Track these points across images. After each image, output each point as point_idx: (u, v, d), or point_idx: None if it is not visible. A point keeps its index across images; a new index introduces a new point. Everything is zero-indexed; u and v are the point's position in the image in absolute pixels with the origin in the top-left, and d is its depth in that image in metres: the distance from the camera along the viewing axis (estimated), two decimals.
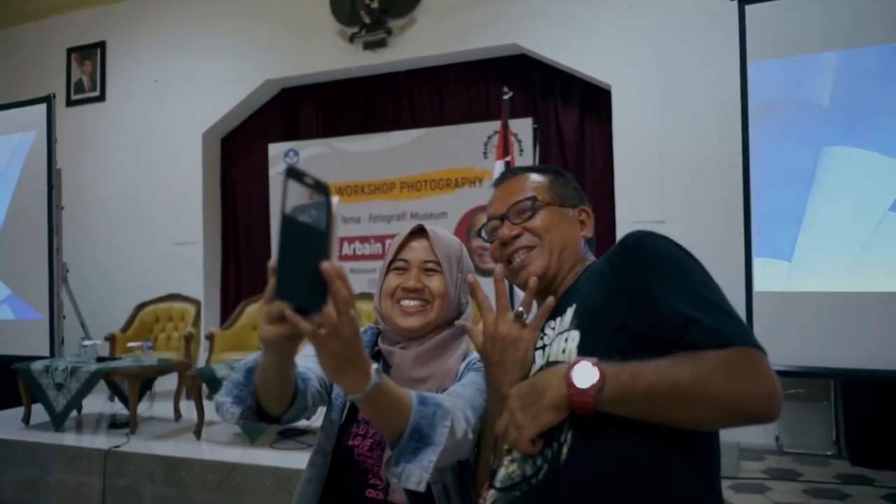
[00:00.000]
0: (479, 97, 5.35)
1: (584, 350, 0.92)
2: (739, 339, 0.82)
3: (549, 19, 4.81)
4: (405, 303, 1.19)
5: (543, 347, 1.03)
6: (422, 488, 0.91)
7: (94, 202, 6.12)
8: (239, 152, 6.11)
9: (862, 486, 3.12)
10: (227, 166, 6.16)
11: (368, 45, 5.31)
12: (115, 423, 4.13)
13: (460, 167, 5.21)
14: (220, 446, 3.61)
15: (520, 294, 1.10)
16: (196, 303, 5.46)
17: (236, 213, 6.11)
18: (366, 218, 5.51)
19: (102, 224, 6.10)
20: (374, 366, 0.84)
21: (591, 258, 1.17)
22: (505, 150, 4.25)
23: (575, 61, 4.79)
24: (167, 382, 4.58)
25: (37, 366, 4.02)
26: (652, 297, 0.90)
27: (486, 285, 1.03)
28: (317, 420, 1.21)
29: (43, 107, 5.14)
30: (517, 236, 1.13)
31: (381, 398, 0.87)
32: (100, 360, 4.19)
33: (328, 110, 5.82)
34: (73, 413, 4.17)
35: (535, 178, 1.18)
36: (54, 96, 5.20)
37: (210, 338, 5.01)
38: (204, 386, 3.72)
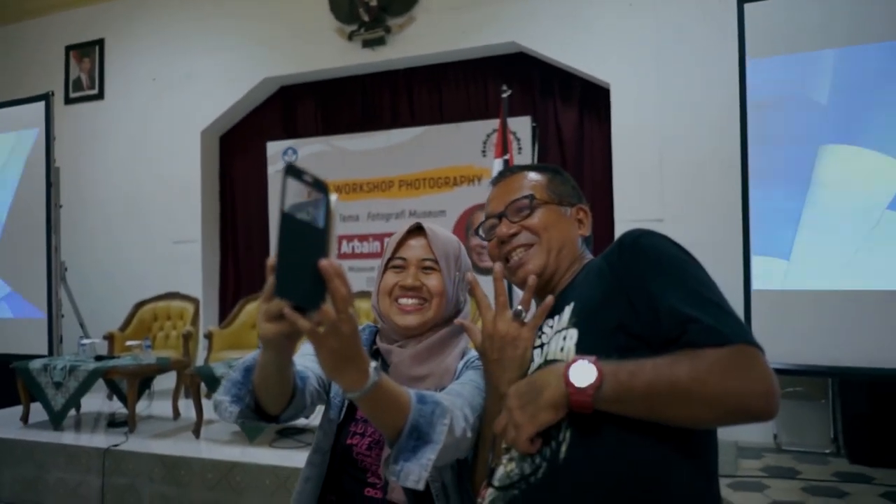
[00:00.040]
0: (478, 95, 5.35)
1: (583, 348, 0.92)
2: (737, 338, 0.83)
3: (549, 17, 4.80)
4: (403, 301, 1.19)
5: (542, 346, 1.03)
6: (421, 487, 0.91)
7: (93, 200, 6.11)
8: (238, 150, 6.10)
9: (860, 484, 3.12)
10: (226, 164, 6.15)
11: (367, 43, 5.30)
12: (113, 422, 4.13)
13: (459, 165, 5.21)
14: (219, 445, 3.61)
15: (518, 293, 1.10)
16: (195, 301, 5.45)
17: (235, 211, 6.11)
18: (364, 216, 5.51)
19: (101, 222, 6.10)
20: (373, 364, 0.84)
21: (589, 257, 1.17)
22: (504, 148, 4.25)
23: (574, 60, 4.78)
24: (166, 381, 4.58)
25: (35, 364, 4.02)
26: (650, 296, 0.90)
27: (485, 284, 1.03)
28: (315, 419, 1.21)
29: (41, 104, 5.13)
30: (515, 234, 1.13)
31: (379, 396, 0.87)
32: (98, 358, 4.19)
33: (327, 108, 5.82)
34: (72, 412, 4.17)
35: (533, 176, 1.19)
36: (53, 94, 5.19)
37: (209, 336, 5.00)
38: (203, 384, 3.72)
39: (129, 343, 4.50)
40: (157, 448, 3.52)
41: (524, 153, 4.93)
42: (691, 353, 0.82)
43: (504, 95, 4.36)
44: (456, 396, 1.05)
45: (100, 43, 6.26)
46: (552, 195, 1.16)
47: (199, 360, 5.07)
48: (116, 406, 4.55)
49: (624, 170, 4.61)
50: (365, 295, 4.69)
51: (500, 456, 0.98)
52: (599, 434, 0.86)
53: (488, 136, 5.07)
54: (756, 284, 3.39)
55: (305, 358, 1.14)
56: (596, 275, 1.01)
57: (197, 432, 3.74)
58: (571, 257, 1.14)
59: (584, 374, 0.84)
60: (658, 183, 4.47)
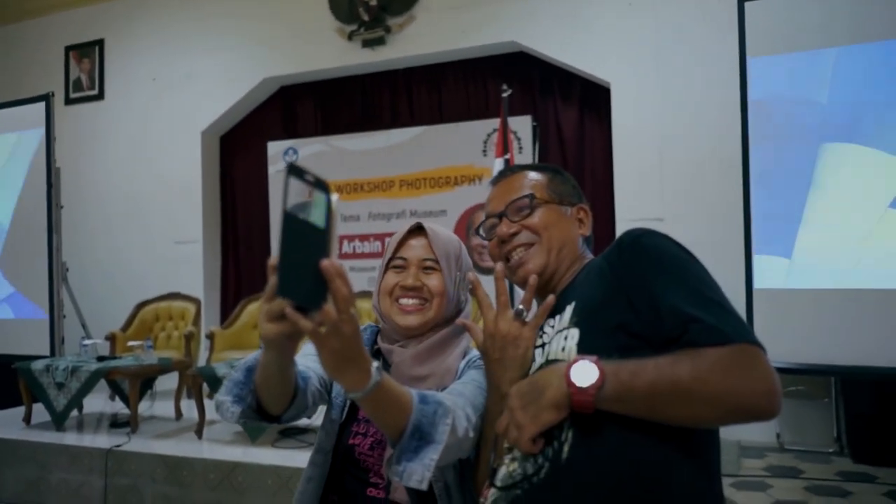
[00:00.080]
0: (478, 95, 5.35)
1: (584, 348, 0.92)
2: (739, 337, 0.83)
3: (548, 17, 4.80)
4: (404, 301, 1.19)
5: (543, 346, 1.03)
6: (424, 487, 0.91)
7: (94, 201, 6.11)
8: (238, 150, 6.10)
9: (863, 484, 3.12)
10: (227, 165, 6.15)
11: (367, 43, 5.30)
12: (115, 423, 4.13)
13: (459, 165, 5.21)
14: (221, 445, 3.61)
15: (520, 292, 1.10)
16: (196, 301, 5.45)
17: (235, 211, 6.11)
18: (365, 216, 5.51)
19: (102, 223, 6.10)
20: (375, 364, 0.84)
21: (590, 256, 1.17)
22: (504, 147, 4.25)
23: (574, 59, 4.78)
24: (168, 381, 4.59)
25: (37, 365, 4.02)
26: (651, 296, 0.90)
27: (486, 283, 1.03)
28: (317, 419, 1.21)
29: (41, 105, 5.13)
30: (515, 234, 1.13)
31: (381, 397, 0.87)
32: (100, 359, 4.19)
33: (327, 108, 5.82)
34: (74, 412, 4.17)
35: (533, 175, 1.18)
36: (53, 94, 5.19)
37: (210, 337, 5.01)
38: (204, 385, 3.72)
39: (130, 343, 4.50)
40: (160, 448, 3.52)
41: (525, 153, 4.93)
42: (693, 352, 0.82)
43: (504, 95, 4.36)
44: (458, 396, 1.05)
45: (100, 43, 6.27)
46: (552, 195, 1.16)
47: (201, 361, 5.08)
48: (118, 406, 4.55)
49: (624, 169, 4.61)
50: (366, 295, 4.69)
51: (502, 456, 0.98)
52: (601, 434, 0.86)
53: (489, 135, 5.06)
54: (758, 283, 3.39)
55: (307, 358, 1.14)
56: (597, 274, 1.01)
57: (199, 432, 3.74)
58: (572, 257, 1.14)
59: (585, 373, 0.84)
60: (658, 182, 4.47)
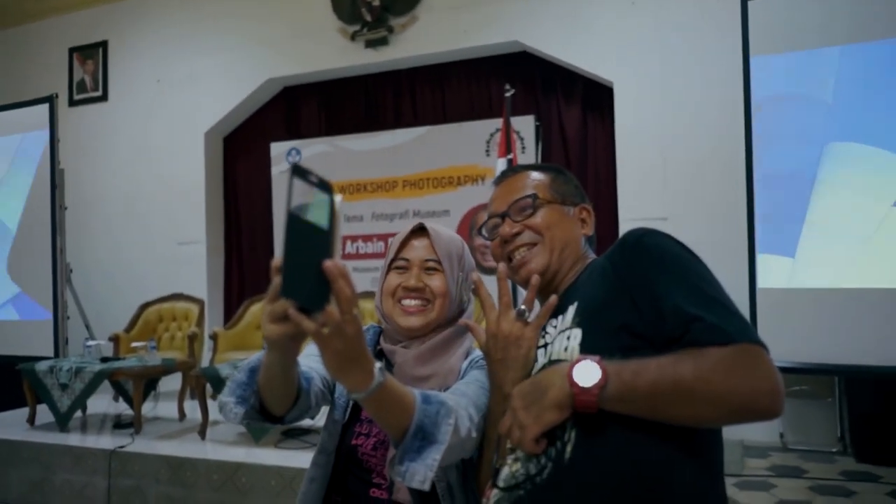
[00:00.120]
0: (481, 95, 5.35)
1: (586, 348, 0.92)
2: (741, 337, 0.82)
3: (551, 16, 4.80)
4: (406, 302, 1.19)
5: (545, 346, 1.03)
6: (426, 487, 0.91)
7: (97, 202, 6.13)
8: (241, 151, 6.11)
9: (867, 483, 3.11)
10: (230, 165, 6.17)
11: (370, 44, 5.31)
12: (119, 424, 4.14)
13: (462, 165, 5.21)
14: (225, 446, 3.61)
15: (522, 292, 1.10)
16: (199, 302, 5.46)
17: (239, 212, 6.12)
18: (368, 216, 5.51)
19: (105, 224, 6.12)
20: (378, 365, 0.84)
21: (592, 256, 1.17)
22: (507, 147, 4.24)
23: (576, 58, 4.78)
24: (171, 382, 4.59)
25: (41, 366, 4.03)
26: (654, 295, 0.90)
27: (489, 283, 1.03)
28: (321, 419, 1.21)
29: (45, 107, 5.15)
30: (518, 234, 1.13)
31: (384, 397, 0.87)
32: (104, 360, 4.20)
33: (330, 109, 5.82)
34: (78, 413, 4.18)
35: (535, 176, 1.18)
36: (57, 96, 5.21)
37: (214, 337, 5.02)
38: (208, 386, 3.73)
39: (134, 344, 4.51)
40: (163, 449, 3.53)
41: (528, 152, 4.93)
42: (695, 351, 0.82)
43: (507, 94, 4.36)
44: (460, 396, 1.05)
45: (103, 45, 6.28)
46: (555, 194, 1.16)
47: (205, 362, 5.08)
48: (122, 407, 4.56)
49: (627, 168, 4.60)
50: (369, 295, 4.68)
51: (504, 456, 0.98)
52: (604, 434, 0.86)
53: (491, 135, 5.06)
54: (761, 282, 3.38)
55: (310, 358, 1.14)
56: (599, 274, 1.01)
57: (202, 433, 3.75)
58: (574, 257, 1.14)
59: (588, 373, 0.84)
60: (662, 182, 4.46)
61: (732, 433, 3.60)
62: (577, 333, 0.95)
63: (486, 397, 1.09)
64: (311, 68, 5.57)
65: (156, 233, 5.94)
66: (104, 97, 6.27)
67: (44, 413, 4.05)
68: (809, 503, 2.88)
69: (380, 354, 1.23)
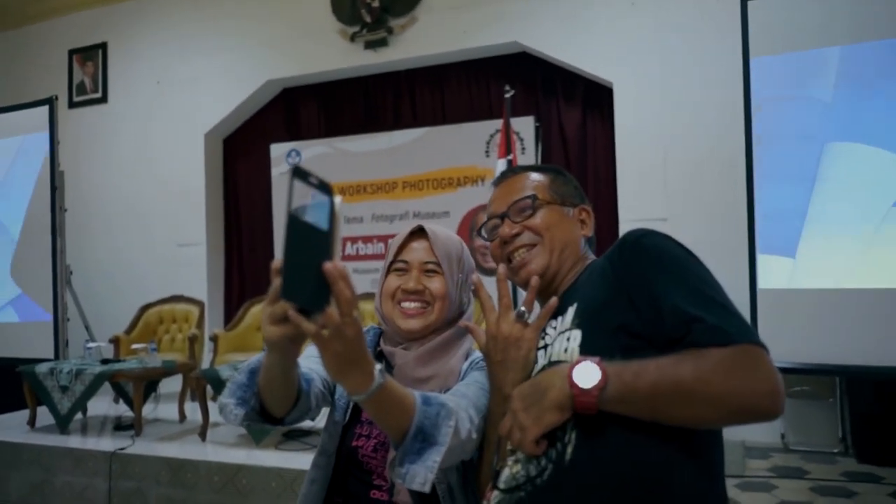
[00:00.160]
0: (480, 96, 5.35)
1: (586, 349, 0.92)
2: (741, 337, 0.82)
3: (550, 17, 4.80)
4: (406, 305, 1.19)
5: (545, 347, 1.03)
6: (427, 489, 0.91)
7: (97, 204, 6.13)
8: (241, 153, 6.11)
9: (869, 484, 3.11)
10: (230, 167, 6.17)
11: (369, 45, 5.31)
12: (120, 425, 4.14)
13: (462, 166, 5.21)
14: (225, 448, 3.61)
15: (523, 294, 1.10)
16: (200, 304, 5.46)
17: (239, 213, 6.12)
18: (368, 218, 5.51)
19: (105, 226, 6.12)
20: (378, 366, 0.84)
21: (592, 257, 1.17)
22: (507, 148, 4.25)
23: (576, 59, 4.78)
24: (172, 384, 4.59)
25: (41, 368, 4.03)
26: (653, 296, 0.90)
27: (489, 284, 1.03)
28: (321, 421, 1.21)
29: (45, 109, 5.15)
30: (517, 234, 1.13)
31: (384, 399, 0.86)
32: (104, 362, 4.20)
33: (330, 110, 5.82)
34: (78, 415, 4.18)
35: (535, 176, 1.18)
36: (57, 98, 5.21)
37: (214, 339, 5.01)
38: (208, 387, 3.72)
39: (134, 346, 4.50)
40: (164, 451, 3.53)
41: (528, 153, 4.93)
42: (695, 352, 0.82)
43: (507, 95, 4.36)
44: (461, 398, 1.05)
45: (103, 47, 6.28)
46: (554, 195, 1.16)
47: (205, 363, 5.08)
48: (122, 409, 4.56)
49: (627, 169, 4.60)
50: (369, 297, 4.68)
51: (505, 458, 0.98)
52: (604, 435, 0.86)
53: (491, 136, 5.06)
54: (762, 283, 3.38)
55: (310, 360, 1.14)
56: (598, 275, 1.01)
57: (203, 435, 3.75)
58: (574, 258, 1.14)
59: (588, 375, 0.84)
60: (662, 182, 4.46)
61: (734, 434, 3.60)
62: (576, 335, 0.95)
63: (487, 399, 1.09)
64: (310, 69, 5.57)
65: (156, 234, 5.94)
66: (104, 99, 6.27)
67: (44, 415, 4.05)
68: None
69: (380, 356, 1.23)
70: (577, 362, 0.85)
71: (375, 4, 5.23)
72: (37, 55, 6.52)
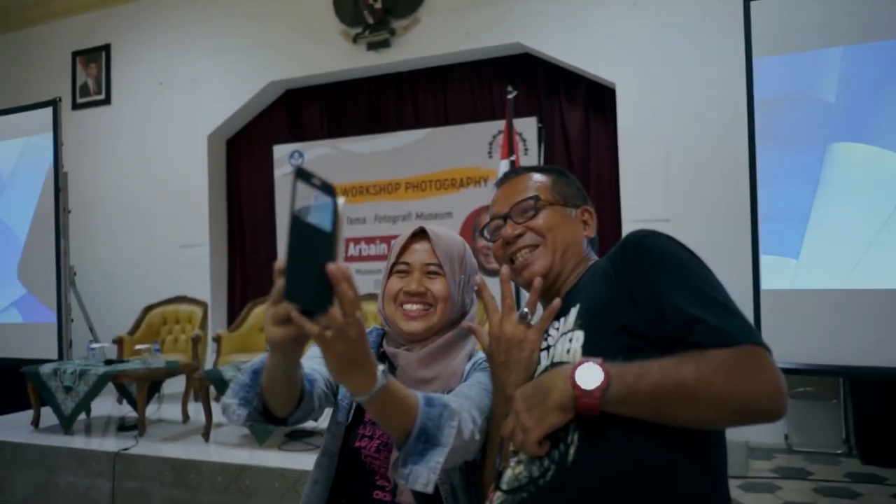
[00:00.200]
0: (483, 97, 5.35)
1: (589, 350, 0.92)
2: (744, 338, 0.82)
3: (552, 18, 4.80)
4: (408, 307, 1.19)
5: (548, 348, 1.03)
6: (430, 490, 0.91)
7: (101, 205, 6.14)
8: (244, 154, 6.12)
9: (872, 485, 3.10)
10: (233, 168, 6.17)
11: (372, 46, 5.31)
12: (123, 426, 4.15)
13: (465, 167, 5.21)
14: (229, 448, 3.61)
15: (526, 294, 1.10)
16: (203, 305, 5.47)
17: (242, 215, 6.13)
18: (371, 218, 5.52)
19: (109, 227, 6.13)
20: (381, 367, 0.84)
21: (594, 258, 1.17)
22: (510, 149, 4.25)
23: (579, 60, 4.78)
24: (175, 385, 4.60)
25: (45, 369, 4.04)
26: (656, 297, 0.90)
27: (492, 285, 1.03)
28: (324, 421, 1.21)
29: (49, 110, 5.16)
30: (520, 235, 1.13)
31: (387, 400, 0.87)
32: (108, 362, 4.20)
33: (332, 111, 5.83)
34: (82, 416, 4.19)
35: (537, 177, 1.18)
36: (60, 100, 5.22)
37: (217, 340, 5.02)
38: (212, 388, 3.73)
39: (138, 347, 4.52)
40: (167, 451, 3.54)
41: (530, 154, 4.93)
42: (697, 353, 0.82)
43: (509, 96, 4.36)
44: (464, 398, 1.05)
45: (106, 48, 6.30)
46: (557, 196, 1.16)
47: (208, 364, 5.09)
48: (126, 410, 4.57)
49: (630, 170, 4.60)
50: (372, 297, 4.68)
51: (507, 459, 0.98)
52: (607, 436, 0.86)
53: (494, 137, 5.07)
54: (765, 284, 3.38)
55: (313, 360, 1.14)
56: (601, 276, 1.01)
57: (206, 435, 3.75)
58: (576, 258, 1.14)
59: (590, 376, 0.84)
60: (664, 183, 4.46)
61: (737, 435, 3.59)
62: (579, 335, 0.95)
63: (489, 399, 1.09)
64: (313, 71, 5.58)
65: (159, 235, 5.95)
66: (107, 100, 6.29)
67: (48, 415, 4.06)
68: None
69: (383, 357, 1.23)
70: (580, 363, 0.85)
71: (378, 6, 5.23)
72: (40, 57, 6.54)
